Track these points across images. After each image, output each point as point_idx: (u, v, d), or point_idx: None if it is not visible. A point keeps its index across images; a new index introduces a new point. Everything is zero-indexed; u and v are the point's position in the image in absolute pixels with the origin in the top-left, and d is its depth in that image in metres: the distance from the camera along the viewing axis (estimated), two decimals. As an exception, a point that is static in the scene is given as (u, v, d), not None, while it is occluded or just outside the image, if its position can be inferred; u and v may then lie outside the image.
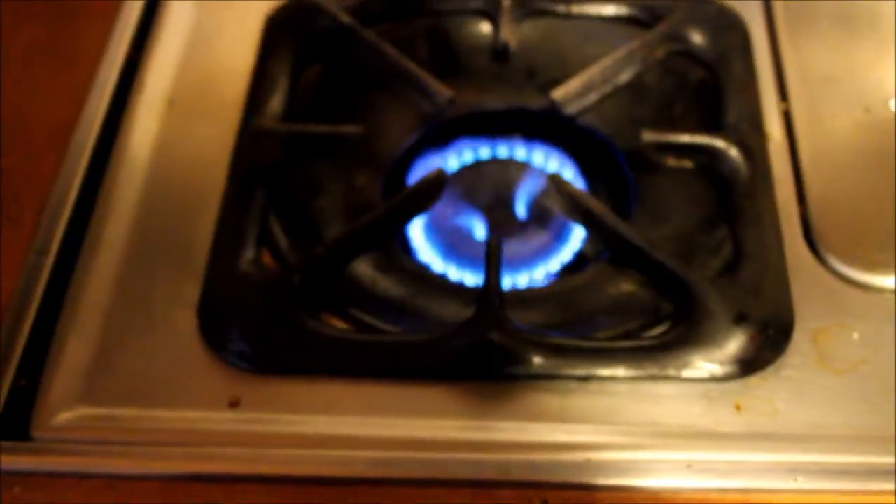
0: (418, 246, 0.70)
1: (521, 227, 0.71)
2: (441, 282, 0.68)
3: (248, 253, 0.64)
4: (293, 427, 0.58)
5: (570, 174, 0.73)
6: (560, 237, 0.70)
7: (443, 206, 0.70)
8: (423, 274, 0.68)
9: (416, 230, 0.71)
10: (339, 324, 0.63)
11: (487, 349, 0.59)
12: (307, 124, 0.69)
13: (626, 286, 0.66)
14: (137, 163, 0.69)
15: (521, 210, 0.71)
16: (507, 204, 0.71)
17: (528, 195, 0.71)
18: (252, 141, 0.70)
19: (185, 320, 0.62)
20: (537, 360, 0.59)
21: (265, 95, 0.72)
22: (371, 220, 0.65)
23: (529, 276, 0.69)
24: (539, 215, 0.71)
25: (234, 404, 0.59)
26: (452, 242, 0.70)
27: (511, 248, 0.69)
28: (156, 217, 0.67)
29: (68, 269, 0.64)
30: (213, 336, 0.61)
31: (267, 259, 0.66)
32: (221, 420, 0.58)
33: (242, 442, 0.57)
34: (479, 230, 0.70)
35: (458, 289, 0.67)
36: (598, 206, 0.66)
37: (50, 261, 0.64)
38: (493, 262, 0.63)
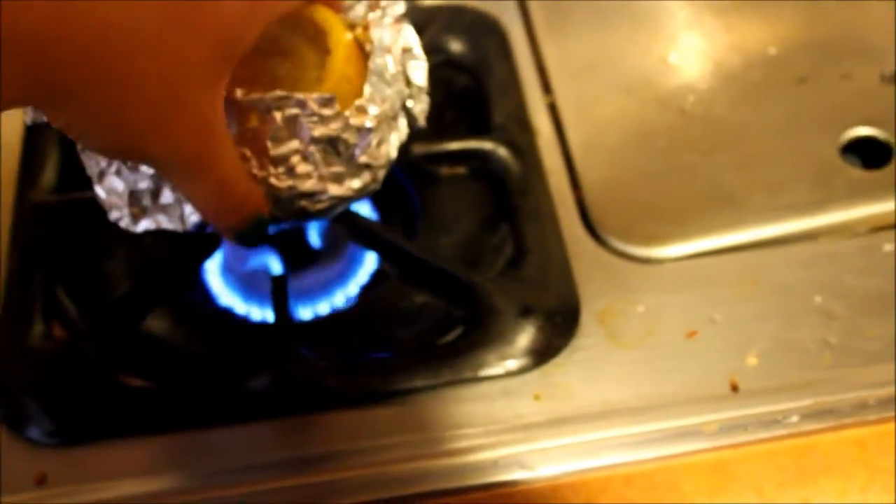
0: (217, 291, 0.70)
1: (316, 256, 0.72)
2: (243, 324, 0.68)
3: (37, 328, 0.64)
4: (102, 493, 0.58)
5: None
6: (355, 260, 0.71)
7: (236, 248, 0.71)
8: (225, 319, 0.68)
9: (213, 275, 0.71)
10: (140, 382, 0.63)
11: (283, 383, 0.60)
12: (82, 191, 0.69)
13: (420, 298, 0.67)
14: (-85, 254, 0.68)
15: (314, 239, 0.72)
16: (300, 236, 0.71)
17: (319, 225, 0.72)
18: (28, 216, 0.69)
19: (-19, 405, 0.61)
20: (334, 384, 0.61)
21: (37, 168, 0.72)
22: (152, 274, 0.65)
23: (330, 302, 0.69)
24: (332, 242, 0.72)
25: (40, 481, 0.58)
26: (250, 282, 0.70)
27: (309, 278, 0.70)
28: (-61, 307, 0.66)
29: None
30: (9, 416, 0.60)
31: (58, 331, 0.65)
32: (28, 500, 0.57)
33: (53, 519, 0.57)
34: (275, 265, 0.71)
35: (261, 328, 0.68)
36: (378, 228, 0.67)
37: None
38: (279, 298, 0.63)
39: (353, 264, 0.71)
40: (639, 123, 0.75)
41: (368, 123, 0.54)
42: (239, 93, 0.52)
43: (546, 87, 0.76)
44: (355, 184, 0.56)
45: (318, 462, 0.59)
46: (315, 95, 0.52)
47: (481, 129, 0.74)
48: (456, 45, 0.78)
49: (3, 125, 0.75)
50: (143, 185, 0.55)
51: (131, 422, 0.60)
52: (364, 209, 0.72)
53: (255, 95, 0.52)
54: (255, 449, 0.59)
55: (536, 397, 0.61)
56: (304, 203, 0.55)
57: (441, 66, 0.76)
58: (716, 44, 0.80)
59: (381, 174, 0.58)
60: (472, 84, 0.77)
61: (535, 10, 0.81)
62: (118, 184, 0.56)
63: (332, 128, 0.53)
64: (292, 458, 0.59)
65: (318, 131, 0.53)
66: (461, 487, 0.58)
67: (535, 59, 0.78)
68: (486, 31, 0.79)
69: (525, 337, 0.62)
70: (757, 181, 0.71)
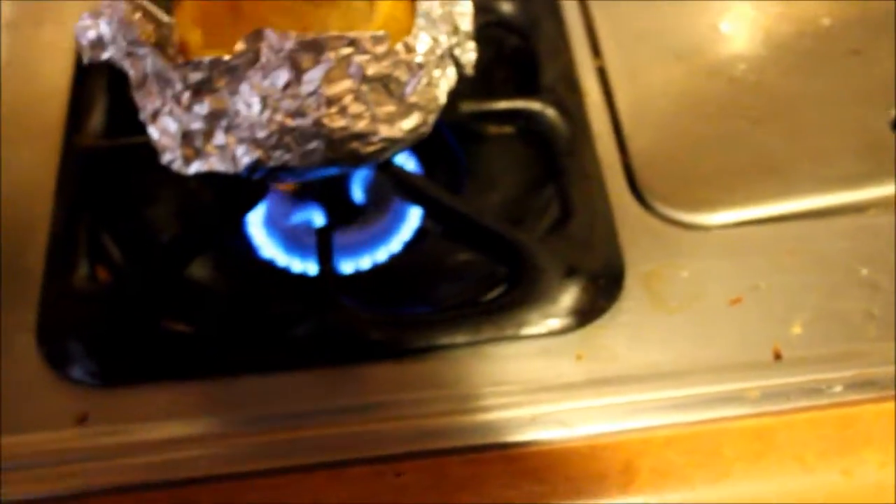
0: (260, 243, 0.70)
1: (360, 212, 0.72)
2: (284, 275, 0.68)
3: (82, 270, 0.64)
4: (143, 434, 0.58)
5: (402, 155, 0.74)
6: (399, 216, 0.71)
7: (281, 200, 0.71)
8: (266, 270, 0.69)
9: (256, 227, 0.71)
10: (183, 327, 0.63)
11: (325, 333, 0.60)
12: (130, 136, 0.69)
13: (464, 255, 0.68)
14: (-37, 194, 0.69)
15: (358, 195, 0.72)
16: (344, 190, 0.71)
17: (363, 180, 0.72)
18: (76, 160, 0.69)
19: (25, 344, 0.61)
20: (376, 336, 0.61)
21: (85, 113, 0.72)
22: (199, 221, 0.65)
23: (372, 258, 0.69)
24: (376, 198, 0.72)
25: (81, 420, 0.58)
26: (293, 235, 0.71)
27: (352, 233, 0.70)
28: (-14, 248, 0.66)
29: None
30: (53, 355, 0.61)
31: (103, 274, 0.65)
32: (70, 438, 0.58)
33: (93, 456, 0.57)
34: (319, 220, 0.71)
35: (302, 280, 0.68)
36: (424, 183, 0.67)
37: None
38: (324, 249, 0.64)
39: (396, 220, 0.71)
40: (688, 90, 0.74)
41: (418, 59, 0.55)
42: (291, 35, 0.52)
43: (595, 51, 0.76)
44: (406, 125, 0.56)
45: (356, 412, 0.59)
46: (368, 33, 0.53)
47: (530, 89, 0.73)
48: (506, 6, 0.78)
49: (51, 68, 0.75)
50: (196, 125, 0.56)
51: (172, 366, 0.61)
52: (410, 165, 0.72)
53: (307, 36, 0.52)
54: (294, 397, 0.59)
55: (578, 357, 0.60)
56: (355, 145, 0.55)
57: (491, 26, 0.76)
58: (768, 13, 0.80)
59: (431, 119, 0.58)
60: (522, 45, 0.77)
61: (586, -29, 0.81)
62: (171, 124, 0.57)
63: (384, 65, 0.54)
64: (331, 408, 0.59)
65: (371, 69, 0.54)
66: (499, 443, 0.58)
67: (585, 22, 0.78)
68: (537, -7, 0.79)
69: (569, 297, 0.62)
70: (805, 151, 0.70)
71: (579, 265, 0.63)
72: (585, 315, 0.62)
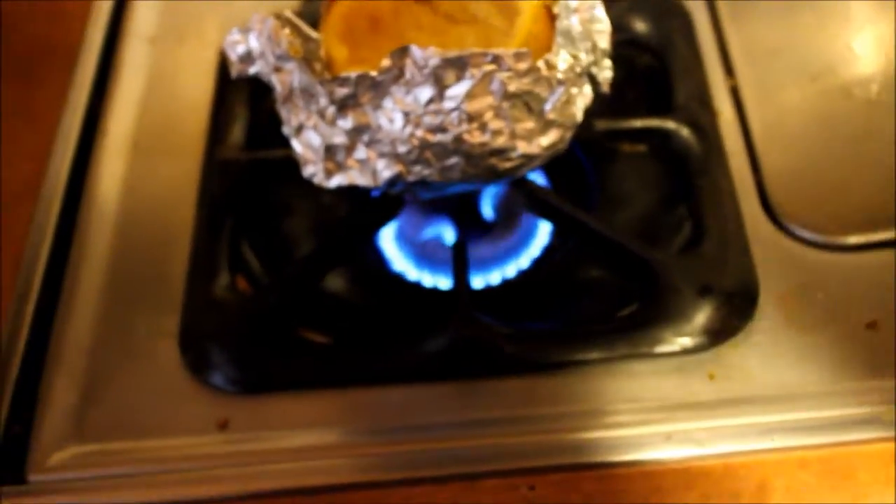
0: (391, 256, 0.71)
1: (489, 228, 0.72)
2: (416, 289, 0.69)
3: (223, 279, 0.66)
4: (282, 442, 0.59)
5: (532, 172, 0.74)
6: (528, 233, 0.72)
7: (412, 215, 0.72)
8: (398, 283, 0.70)
9: (388, 241, 0.72)
10: (319, 337, 0.65)
11: (462, 346, 0.61)
12: (269, 150, 0.71)
13: (595, 272, 0.68)
14: (107, 206, 0.71)
15: (487, 211, 0.73)
16: (474, 206, 0.72)
17: (493, 196, 0.73)
18: (217, 172, 0.71)
19: (168, 350, 0.63)
20: (511, 351, 0.61)
21: (226, 126, 0.74)
22: (336, 234, 0.67)
23: (502, 273, 0.70)
24: (506, 214, 0.73)
25: (222, 426, 0.60)
26: (424, 250, 0.71)
27: (481, 248, 0.70)
28: (130, 255, 0.68)
29: (50, 314, 0.66)
30: (195, 362, 0.62)
31: (242, 284, 0.67)
32: (212, 443, 0.60)
33: (234, 462, 0.59)
34: (449, 235, 0.72)
35: (433, 294, 0.69)
36: (558, 200, 0.67)
37: (31, 307, 0.65)
38: (459, 263, 0.64)
39: (526, 237, 0.71)
40: (822, 110, 0.74)
41: (559, 76, 0.56)
42: (436, 51, 0.53)
43: (728, 70, 0.76)
44: (544, 141, 0.57)
45: (491, 425, 0.59)
46: (511, 51, 0.54)
47: (663, 108, 0.74)
48: (640, 25, 0.78)
49: (193, 82, 0.77)
50: (339, 140, 0.57)
51: (310, 375, 0.62)
52: (539, 181, 0.72)
53: (451, 53, 0.53)
54: (429, 408, 0.60)
55: (711, 376, 0.60)
56: (494, 160, 0.56)
57: (624, 45, 0.76)
58: (902, 34, 0.79)
59: (568, 135, 0.59)
60: (655, 63, 0.77)
61: (719, -10, 0.81)
62: (315, 138, 0.58)
63: (525, 82, 0.55)
64: (465, 420, 0.60)
65: (513, 86, 0.55)
66: (632, 461, 0.58)
67: (718, 42, 0.77)
68: (670, 12, 0.79)
69: (702, 316, 0.62)
70: (941, 173, 0.69)
71: (713, 284, 0.63)
72: (719, 334, 0.62)
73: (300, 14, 0.64)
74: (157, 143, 0.74)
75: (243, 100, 0.75)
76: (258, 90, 0.72)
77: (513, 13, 0.62)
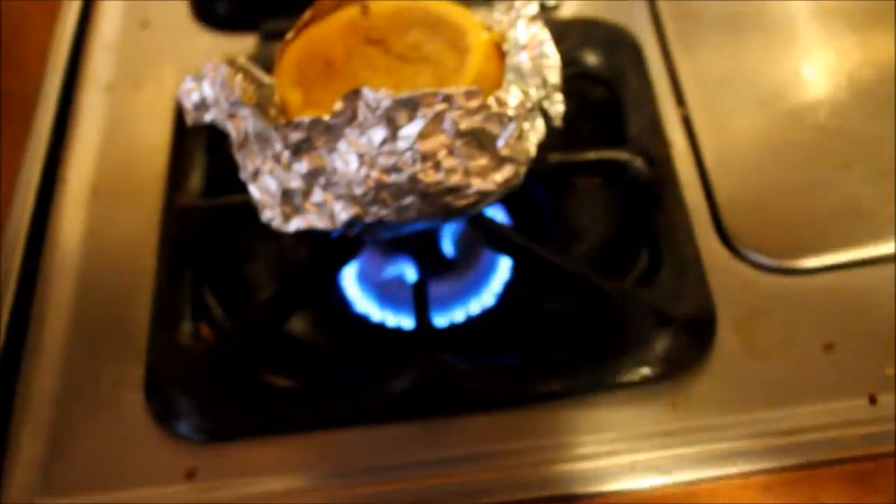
0: (353, 297, 0.72)
1: (450, 265, 0.73)
2: (379, 329, 0.70)
3: (186, 327, 0.66)
4: (250, 488, 0.60)
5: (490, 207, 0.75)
6: (489, 268, 0.72)
7: (372, 255, 0.72)
8: (361, 324, 0.70)
9: (350, 281, 0.72)
10: (283, 381, 0.65)
11: (425, 385, 0.61)
12: (228, 196, 0.71)
13: (555, 304, 0.69)
14: (69, 253, 0.71)
15: (447, 248, 0.73)
16: (434, 244, 0.73)
17: (452, 233, 0.73)
18: (176, 219, 0.71)
19: (133, 400, 0.63)
20: (475, 387, 0.62)
21: (184, 172, 0.74)
22: (298, 278, 0.67)
23: (464, 310, 0.70)
24: (466, 251, 0.73)
25: (190, 475, 0.60)
26: (386, 290, 0.72)
27: (443, 286, 0.71)
28: (93, 303, 0.68)
29: (14, 365, 0.65)
30: (161, 412, 0.62)
31: (205, 330, 0.67)
32: (179, 492, 0.60)
33: (203, 510, 0.59)
34: (410, 274, 0.72)
35: (397, 334, 0.69)
36: (515, 235, 0.68)
37: (-6, 359, 0.65)
38: (420, 303, 0.65)
39: (487, 272, 0.72)
40: (773, 136, 0.75)
41: (510, 112, 0.56)
42: (387, 93, 0.54)
43: (679, 100, 0.77)
44: (498, 177, 0.57)
45: (457, 463, 0.60)
46: (461, 89, 0.55)
47: (616, 140, 0.75)
48: (591, 58, 0.79)
49: (150, 129, 0.78)
50: (295, 184, 0.57)
51: (276, 420, 0.62)
52: (498, 216, 0.73)
53: (403, 94, 0.54)
54: (395, 449, 0.61)
55: (673, 405, 0.61)
56: (449, 198, 0.56)
57: (576, 78, 0.77)
58: (849, 58, 0.80)
59: (523, 170, 0.59)
60: (607, 96, 0.78)
61: (668, 22, 0.82)
62: (271, 183, 0.58)
63: (477, 120, 0.55)
64: (432, 459, 0.60)
65: (465, 124, 0.55)
66: (598, 492, 0.58)
67: (669, 72, 0.78)
68: (620, 44, 0.80)
69: (662, 345, 0.63)
70: (893, 195, 0.70)
71: (671, 313, 0.64)
72: (679, 363, 0.62)
73: (255, 58, 0.65)
74: (116, 190, 0.74)
75: (201, 145, 0.76)
76: (216, 136, 0.72)
77: (463, 51, 0.63)
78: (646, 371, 0.62)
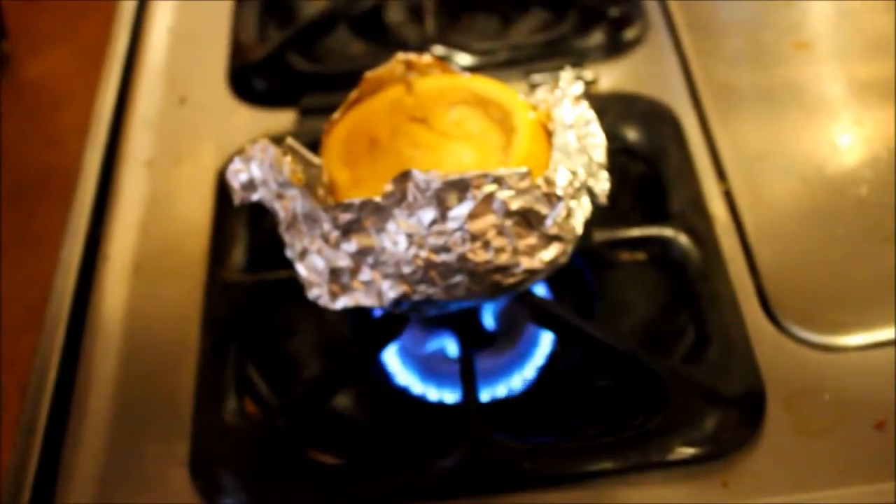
0: (395, 371, 0.71)
1: (492, 339, 0.73)
2: (421, 403, 0.69)
3: (231, 404, 0.66)
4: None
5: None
6: (531, 343, 0.72)
7: (414, 329, 0.72)
8: (403, 398, 0.70)
9: (391, 355, 0.72)
10: (329, 459, 0.65)
11: (475, 464, 0.61)
12: (271, 271, 0.71)
13: (600, 380, 0.68)
14: (111, 331, 0.71)
15: (489, 322, 0.73)
16: (476, 318, 0.72)
17: (494, 307, 0.73)
18: (220, 295, 0.72)
19: (179, 477, 0.63)
20: (525, 466, 0.61)
21: (226, 248, 0.75)
22: (344, 355, 0.67)
23: (507, 385, 0.70)
24: (508, 325, 0.73)
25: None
26: (427, 363, 0.72)
27: (485, 360, 0.71)
28: (136, 380, 0.68)
29: (58, 446, 0.65)
30: (206, 489, 0.62)
31: (250, 407, 0.67)
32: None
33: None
34: (452, 347, 0.72)
35: (439, 408, 0.69)
36: (562, 311, 0.68)
37: (38, 439, 0.65)
38: (467, 377, 0.65)
39: (529, 347, 0.72)
40: (814, 210, 0.74)
41: (559, 192, 0.57)
42: (437, 174, 0.54)
43: (720, 174, 0.77)
44: (546, 256, 0.58)
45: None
46: (511, 170, 0.55)
47: (658, 215, 0.75)
48: (632, 133, 0.79)
49: (191, 205, 0.78)
50: (343, 263, 0.58)
51: (322, 498, 0.62)
52: (541, 291, 0.73)
53: (453, 176, 0.54)
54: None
55: (724, 484, 0.60)
56: (497, 277, 0.57)
57: (617, 154, 0.77)
58: (886, 132, 0.80)
59: (570, 249, 0.59)
60: (648, 171, 0.78)
61: (707, 98, 0.82)
62: (319, 262, 0.58)
63: (526, 200, 0.56)
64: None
65: (514, 204, 0.55)
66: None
67: (709, 146, 0.78)
68: (660, 120, 0.80)
69: (711, 423, 0.62)
70: (936, 271, 0.70)
71: (720, 391, 0.63)
72: (729, 441, 0.62)
73: (294, 134, 0.65)
74: (158, 266, 0.75)
75: (243, 221, 0.76)
76: (257, 211, 0.73)
77: (508, 129, 0.63)
78: (696, 449, 0.61)
